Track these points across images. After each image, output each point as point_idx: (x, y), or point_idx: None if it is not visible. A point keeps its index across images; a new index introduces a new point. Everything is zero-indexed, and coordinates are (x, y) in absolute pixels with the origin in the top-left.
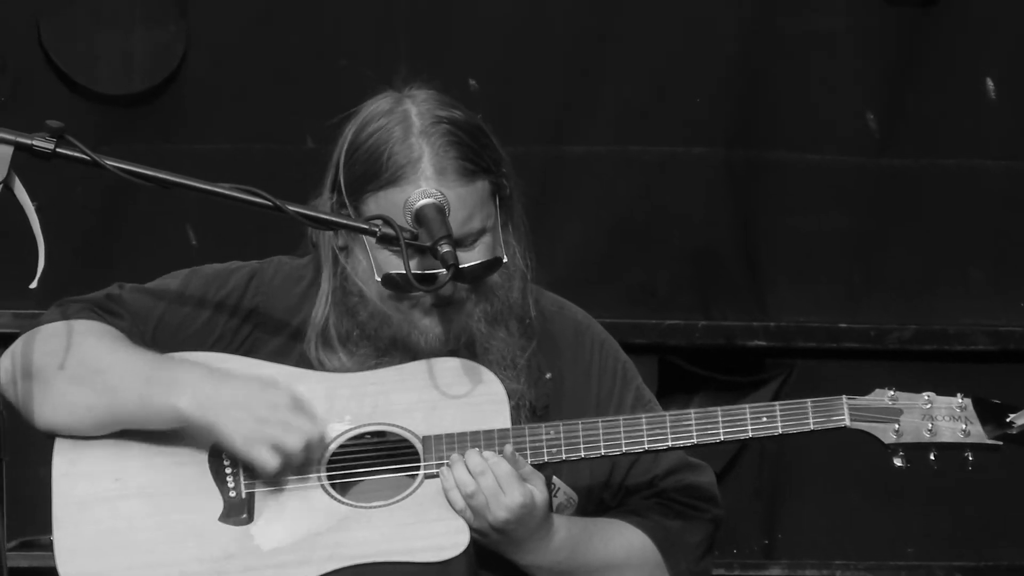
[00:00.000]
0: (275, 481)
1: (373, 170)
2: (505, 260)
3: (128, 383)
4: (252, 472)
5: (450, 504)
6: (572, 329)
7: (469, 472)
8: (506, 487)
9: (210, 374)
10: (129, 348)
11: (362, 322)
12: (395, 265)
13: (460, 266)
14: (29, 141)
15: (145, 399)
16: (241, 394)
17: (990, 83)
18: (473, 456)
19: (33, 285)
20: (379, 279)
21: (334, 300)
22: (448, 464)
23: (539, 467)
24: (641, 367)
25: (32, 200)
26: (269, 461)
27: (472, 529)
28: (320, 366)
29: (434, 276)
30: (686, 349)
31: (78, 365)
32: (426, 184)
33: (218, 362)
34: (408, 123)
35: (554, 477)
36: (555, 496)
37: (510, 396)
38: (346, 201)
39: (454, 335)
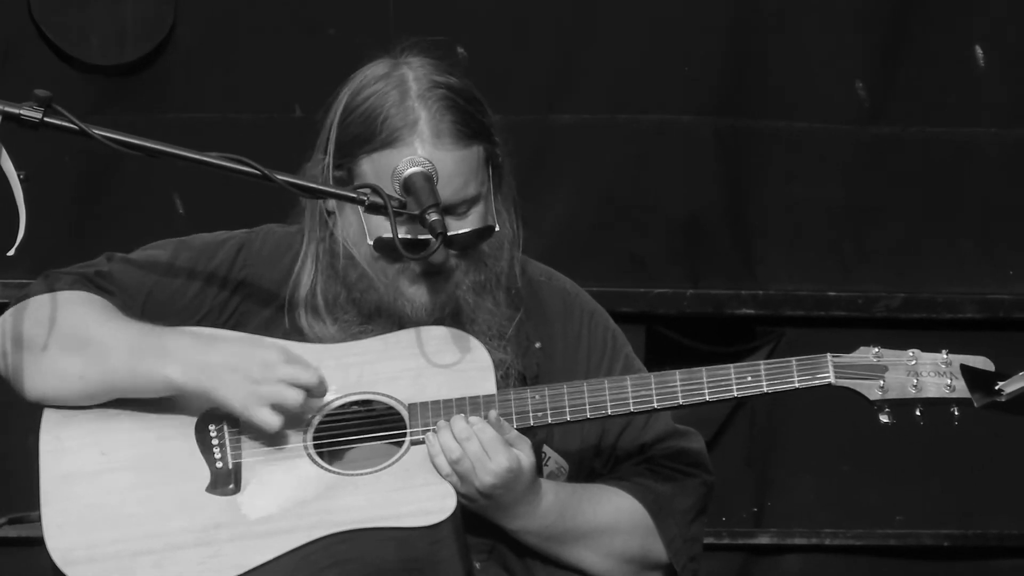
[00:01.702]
0: (261, 452)
1: (368, 132)
2: (497, 229)
3: (118, 353)
4: (239, 442)
5: (436, 470)
6: (560, 299)
7: (455, 438)
8: (491, 452)
9: (198, 339)
10: (118, 318)
11: (350, 284)
12: (388, 229)
13: (453, 233)
14: (17, 110)
15: (136, 368)
16: (232, 355)
17: (979, 51)
18: (458, 422)
19: (11, 252)
20: (371, 242)
21: (320, 264)
22: (434, 430)
23: (527, 433)
24: (629, 336)
25: (19, 169)
26: (270, 420)
27: (459, 495)
28: (309, 329)
29: (426, 242)
30: (675, 318)
31: (68, 335)
32: (422, 146)
33: (206, 334)
34: (405, 87)
35: (544, 445)
36: (546, 465)
37: (497, 366)
38: (340, 163)
39: (440, 305)
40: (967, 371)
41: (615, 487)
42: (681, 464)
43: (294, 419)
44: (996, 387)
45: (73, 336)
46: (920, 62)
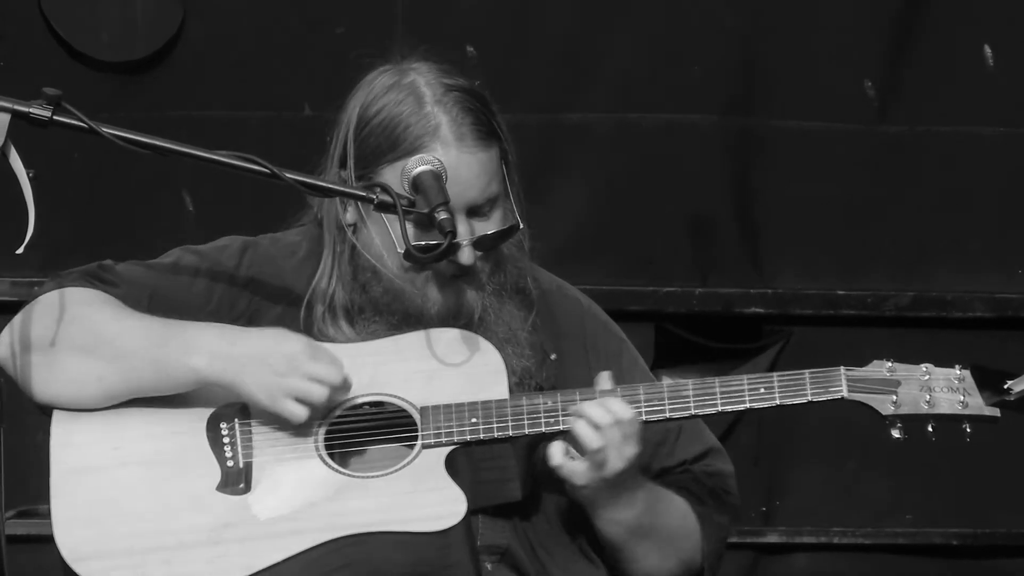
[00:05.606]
0: (272, 451)
1: (390, 142)
2: (522, 226)
3: (140, 349)
4: (250, 441)
5: (583, 446)
6: (574, 310)
7: (596, 425)
8: (628, 437)
9: (222, 331)
10: (132, 314)
11: (375, 298)
12: (415, 237)
13: (481, 234)
14: (26, 108)
15: (160, 363)
16: (258, 348)
17: (988, 50)
18: (596, 408)
19: (19, 251)
20: (401, 250)
21: (341, 277)
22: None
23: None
24: (638, 335)
25: (29, 168)
26: (297, 412)
27: (580, 482)
28: (325, 330)
29: (452, 244)
30: (683, 316)
31: (83, 335)
32: (445, 151)
33: (228, 327)
34: (419, 93)
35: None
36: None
37: (515, 373)
38: (362, 174)
39: (467, 311)
40: (977, 371)
41: (672, 491)
42: (719, 483)
43: (313, 414)
44: (1005, 386)
45: (87, 337)
46: (929, 61)
